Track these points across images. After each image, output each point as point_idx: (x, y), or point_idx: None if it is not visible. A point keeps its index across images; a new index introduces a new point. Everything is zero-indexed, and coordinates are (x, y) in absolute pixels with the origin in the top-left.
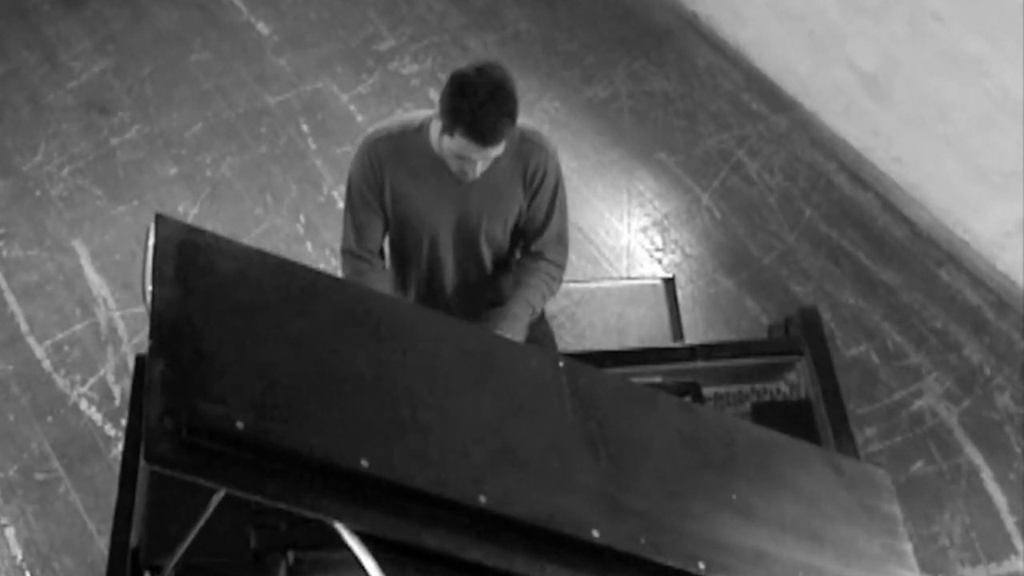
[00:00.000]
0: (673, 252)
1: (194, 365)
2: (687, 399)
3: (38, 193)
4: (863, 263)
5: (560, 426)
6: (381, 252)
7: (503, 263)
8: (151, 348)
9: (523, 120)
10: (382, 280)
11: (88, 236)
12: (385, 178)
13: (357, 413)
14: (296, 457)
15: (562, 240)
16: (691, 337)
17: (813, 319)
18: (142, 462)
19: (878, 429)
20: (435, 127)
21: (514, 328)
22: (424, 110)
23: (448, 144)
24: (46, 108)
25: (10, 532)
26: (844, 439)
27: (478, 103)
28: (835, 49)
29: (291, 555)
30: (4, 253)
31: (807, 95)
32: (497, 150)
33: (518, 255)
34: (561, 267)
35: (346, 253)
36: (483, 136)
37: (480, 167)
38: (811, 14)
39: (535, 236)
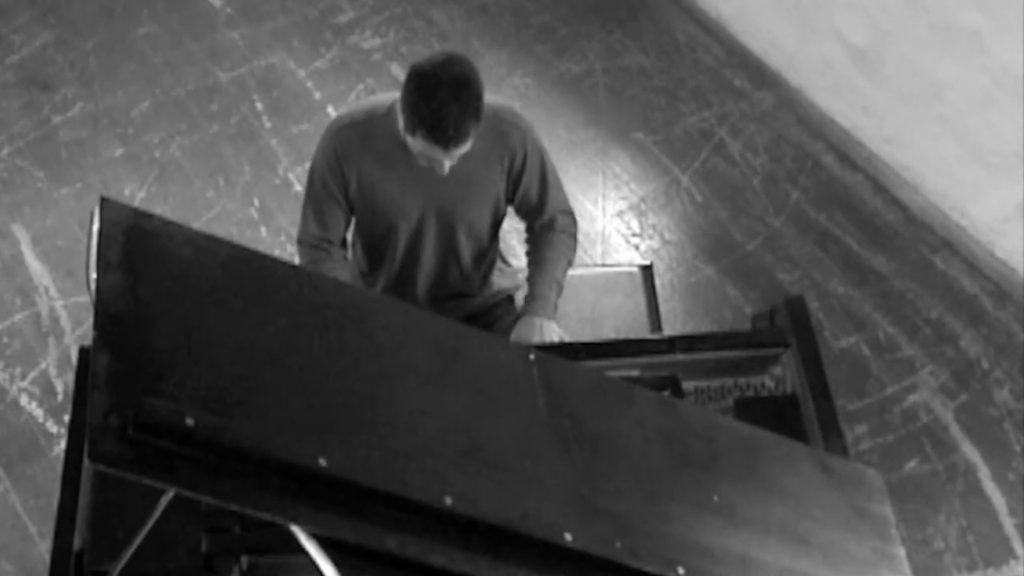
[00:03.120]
0: (651, 238)
1: (141, 358)
2: (666, 394)
3: None
4: (853, 249)
5: (531, 423)
6: (342, 243)
7: (480, 252)
8: (95, 340)
9: (494, 97)
10: (341, 270)
11: (28, 220)
12: (351, 168)
13: (315, 409)
14: (250, 455)
15: (567, 210)
16: (670, 328)
17: (800, 309)
18: (86, 461)
19: (869, 426)
20: (401, 118)
21: (546, 310)
22: (391, 92)
23: (412, 143)
24: None
25: None
26: (833, 436)
27: (438, 104)
28: (823, 22)
29: (245, 560)
30: None
31: (793, 71)
32: (465, 148)
33: (493, 251)
34: (573, 235)
35: (303, 243)
36: (446, 140)
37: (448, 164)
38: None
39: (536, 215)
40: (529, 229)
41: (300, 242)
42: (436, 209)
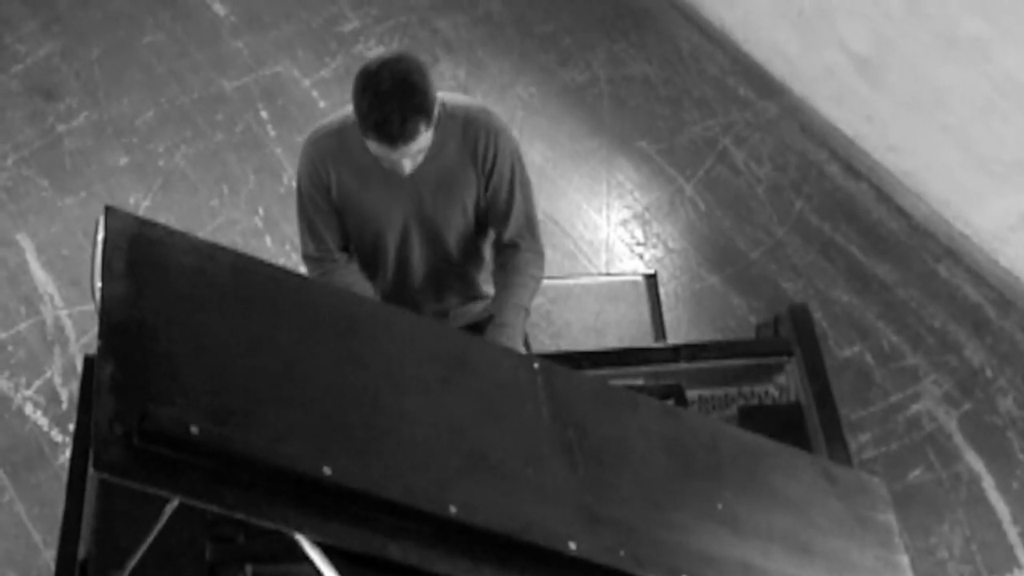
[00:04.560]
0: (655, 246)
1: (146, 367)
2: (670, 403)
3: None
4: (857, 258)
5: (535, 431)
6: (344, 248)
7: (472, 252)
8: (100, 348)
9: (468, 99)
10: (352, 273)
11: (33, 229)
12: (331, 176)
13: (320, 418)
14: (254, 464)
15: (532, 223)
16: (674, 337)
17: (804, 317)
18: (91, 470)
19: (873, 435)
20: None
21: (510, 337)
22: None
23: (370, 146)
24: None
25: None
26: (836, 445)
27: (380, 103)
28: (826, 30)
29: (249, 569)
30: None
31: (797, 79)
32: (416, 146)
33: (487, 249)
34: (540, 253)
35: (307, 258)
36: (392, 138)
37: (408, 164)
38: None
39: (502, 223)
40: (496, 242)
41: (304, 257)
42: (417, 214)
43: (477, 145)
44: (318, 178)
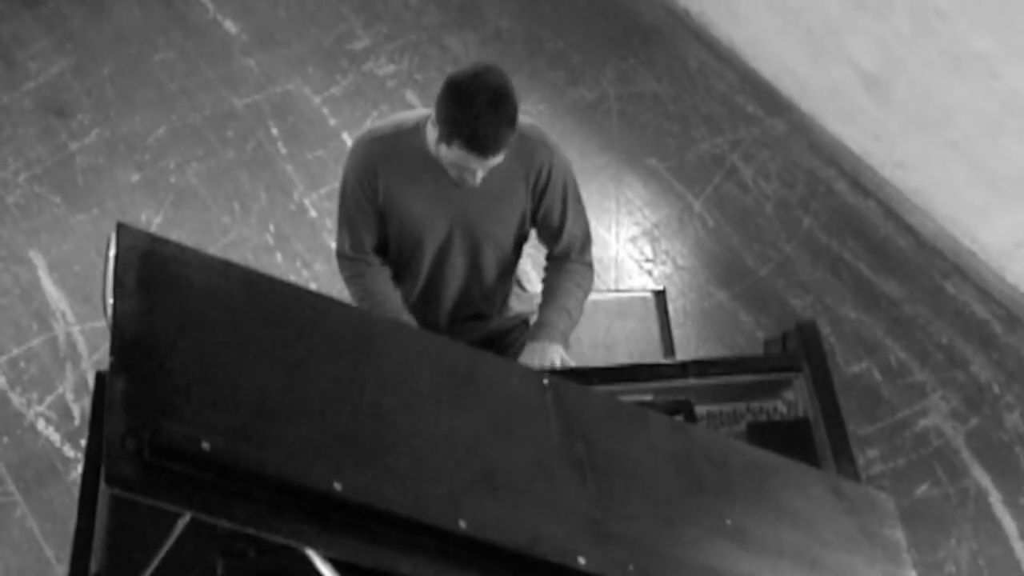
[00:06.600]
0: (664, 263)
1: (158, 382)
2: (679, 418)
3: None
4: (864, 275)
5: (545, 447)
6: (378, 251)
7: (505, 270)
8: (112, 364)
9: (522, 117)
10: (383, 278)
11: (46, 246)
12: (380, 179)
13: (330, 433)
14: (265, 480)
15: (584, 239)
16: (683, 353)
17: (812, 334)
18: (103, 485)
19: (880, 450)
20: (431, 132)
21: (550, 335)
22: (417, 109)
23: (446, 153)
24: (0, 111)
25: None
26: (844, 461)
27: (476, 112)
28: (834, 48)
29: None
30: None
31: (805, 97)
32: (499, 158)
33: (517, 272)
34: (590, 265)
35: (341, 257)
36: (484, 148)
37: (481, 175)
38: (809, 10)
39: (555, 239)
40: (548, 255)
41: (339, 256)
42: (463, 225)
43: (532, 162)
44: (366, 179)
